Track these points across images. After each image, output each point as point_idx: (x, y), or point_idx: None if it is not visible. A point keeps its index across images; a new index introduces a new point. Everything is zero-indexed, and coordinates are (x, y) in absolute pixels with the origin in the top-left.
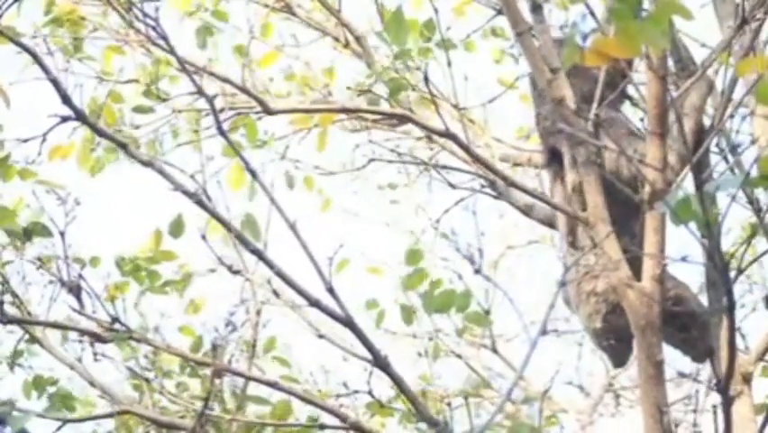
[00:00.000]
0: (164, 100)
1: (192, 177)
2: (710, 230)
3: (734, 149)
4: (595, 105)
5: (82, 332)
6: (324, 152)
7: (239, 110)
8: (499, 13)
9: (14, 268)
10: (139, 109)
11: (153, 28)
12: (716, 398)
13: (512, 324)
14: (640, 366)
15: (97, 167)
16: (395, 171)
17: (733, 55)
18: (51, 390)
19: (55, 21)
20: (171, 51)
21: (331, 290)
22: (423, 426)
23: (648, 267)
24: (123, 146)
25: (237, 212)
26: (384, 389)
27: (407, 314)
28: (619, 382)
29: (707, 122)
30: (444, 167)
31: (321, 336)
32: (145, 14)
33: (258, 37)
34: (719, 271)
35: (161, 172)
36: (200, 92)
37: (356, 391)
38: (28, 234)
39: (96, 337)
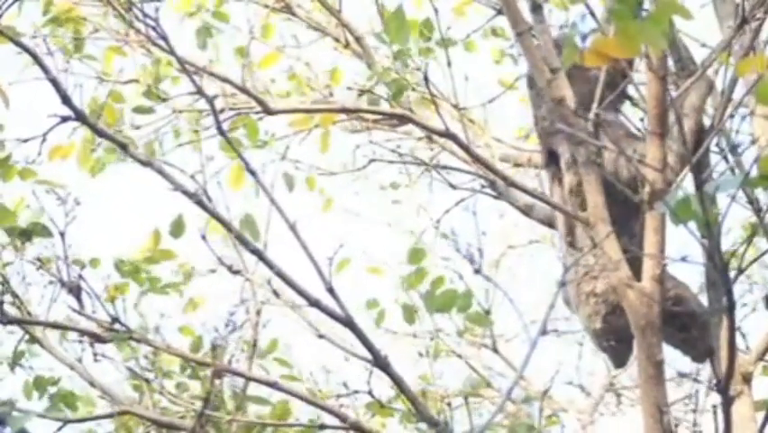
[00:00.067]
0: (164, 100)
1: (192, 177)
2: (710, 230)
3: (734, 149)
4: (595, 104)
5: (82, 332)
6: (325, 152)
7: (239, 110)
8: (499, 12)
9: (14, 268)
10: (139, 109)
11: (153, 28)
12: (716, 398)
13: (513, 324)
14: (640, 366)
15: (97, 167)
16: (396, 172)
17: (733, 55)
18: (52, 390)
19: (54, 20)
20: (171, 52)
21: (331, 290)
22: (423, 426)
23: (648, 267)
24: (123, 146)
25: (237, 212)
26: (384, 389)
27: (409, 313)
28: (620, 382)
29: (707, 122)
30: (445, 167)
31: (321, 336)
32: (145, 15)
33: (258, 38)
34: (719, 271)
35: (161, 172)
36: (200, 92)
37: (356, 391)
38: (28, 234)
39: (95, 338)
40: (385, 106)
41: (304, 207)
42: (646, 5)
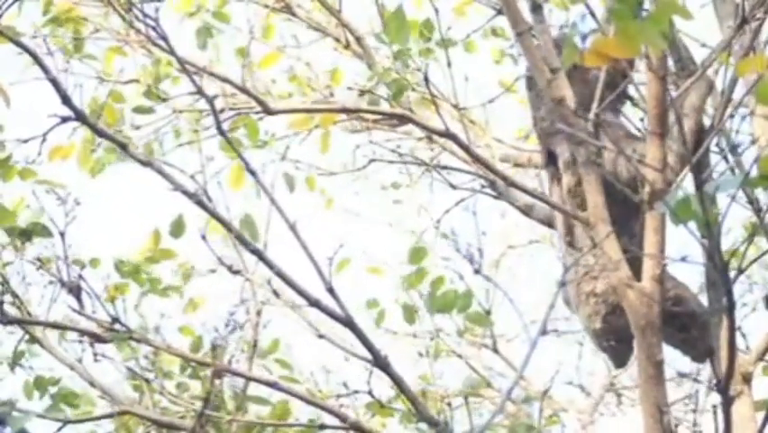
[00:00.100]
0: (164, 100)
1: (192, 177)
2: (710, 230)
3: (734, 149)
4: (595, 104)
5: (82, 332)
6: (326, 153)
7: (239, 110)
8: (499, 12)
9: (14, 268)
10: (139, 110)
11: (153, 28)
12: (716, 398)
13: (513, 324)
14: (640, 366)
15: (97, 168)
16: (396, 172)
17: (733, 55)
18: (53, 390)
19: (54, 20)
20: (171, 52)
21: (331, 290)
22: (423, 426)
23: (648, 267)
24: (123, 146)
25: (237, 212)
26: (384, 389)
27: (409, 313)
28: (620, 382)
29: (707, 122)
30: (445, 167)
31: (321, 337)
32: (145, 15)
33: (258, 38)
34: (719, 271)
35: (161, 172)
36: (200, 92)
37: (356, 392)
38: (28, 234)
39: (95, 338)
40: (385, 107)
41: (304, 207)
42: (646, 5)
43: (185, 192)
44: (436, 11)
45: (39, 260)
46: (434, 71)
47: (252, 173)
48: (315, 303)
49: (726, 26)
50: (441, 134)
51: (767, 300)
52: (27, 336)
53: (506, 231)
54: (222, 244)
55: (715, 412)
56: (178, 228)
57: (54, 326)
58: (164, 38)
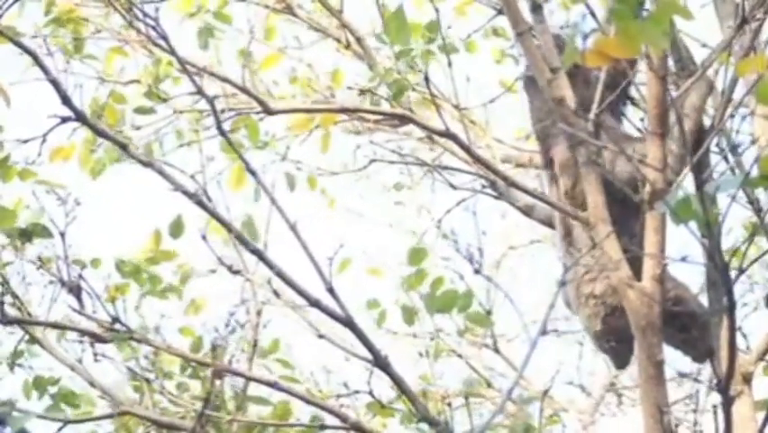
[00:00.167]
0: (165, 101)
1: (192, 177)
2: (711, 230)
3: (734, 149)
4: (595, 105)
5: (82, 332)
6: (327, 153)
7: (239, 110)
8: (500, 13)
9: (15, 268)
10: (140, 110)
11: (154, 28)
12: (716, 398)
13: (513, 324)
14: (640, 366)
15: (98, 168)
16: (398, 173)
17: (733, 55)
18: (52, 390)
19: (56, 21)
20: (172, 52)
21: (331, 291)
22: (423, 426)
23: (649, 267)
24: (123, 147)
25: (238, 212)
26: (385, 389)
27: (409, 315)
28: (620, 382)
29: (707, 122)
30: (446, 168)
31: (321, 337)
32: (145, 15)
33: (259, 39)
34: (720, 270)
35: (161, 173)
36: (200, 92)
37: (357, 392)
38: (28, 234)
39: (96, 338)
40: (386, 107)
41: (305, 208)
42: (647, 5)
43: (185, 192)
44: (437, 10)
45: (39, 260)
46: (435, 71)
47: (253, 173)
48: (315, 303)
49: (727, 26)
50: (441, 134)
51: None
52: (27, 336)
53: (506, 231)
54: (222, 244)
55: (715, 412)
56: (177, 229)
57: (54, 326)
58: (164, 38)
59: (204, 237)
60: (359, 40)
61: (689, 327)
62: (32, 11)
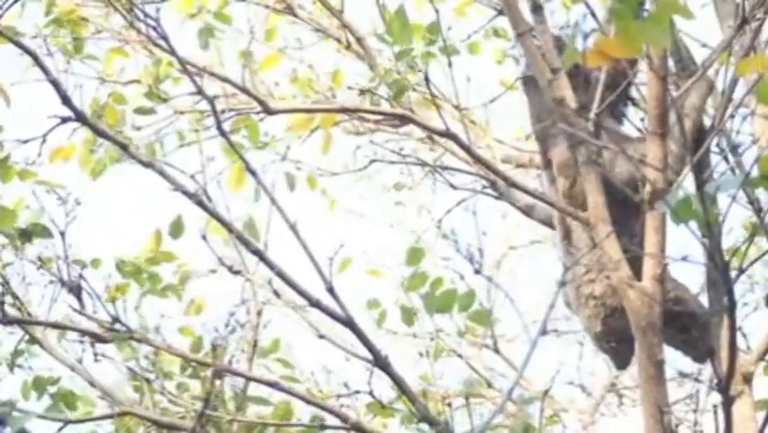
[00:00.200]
0: (165, 101)
1: (192, 177)
2: (711, 230)
3: (734, 149)
4: (595, 105)
5: (82, 332)
6: (327, 154)
7: (240, 111)
8: (500, 13)
9: (15, 269)
10: (140, 110)
11: (154, 28)
12: (717, 397)
13: (513, 324)
14: (641, 366)
15: (98, 168)
16: (398, 173)
17: (733, 55)
18: (52, 390)
19: (56, 21)
20: (172, 52)
21: (331, 291)
22: (424, 426)
23: (649, 267)
24: (124, 147)
25: (238, 213)
26: (385, 389)
27: (408, 315)
28: (621, 382)
29: (707, 122)
30: (446, 168)
31: (322, 337)
32: (146, 15)
33: (260, 39)
34: (720, 270)
35: (162, 173)
36: (201, 93)
37: (357, 392)
38: (28, 234)
39: (96, 338)
40: (386, 107)
41: (305, 208)
42: (647, 5)
43: (185, 193)
44: (437, 11)
45: (39, 260)
46: (435, 71)
47: (253, 173)
48: (315, 303)
49: (727, 26)
50: (442, 135)
51: None
52: (27, 337)
53: (507, 231)
54: (222, 244)
55: (715, 412)
56: (176, 229)
57: (54, 326)
58: (165, 38)
59: (204, 237)
60: (359, 40)
61: (689, 327)
62: (33, 11)
